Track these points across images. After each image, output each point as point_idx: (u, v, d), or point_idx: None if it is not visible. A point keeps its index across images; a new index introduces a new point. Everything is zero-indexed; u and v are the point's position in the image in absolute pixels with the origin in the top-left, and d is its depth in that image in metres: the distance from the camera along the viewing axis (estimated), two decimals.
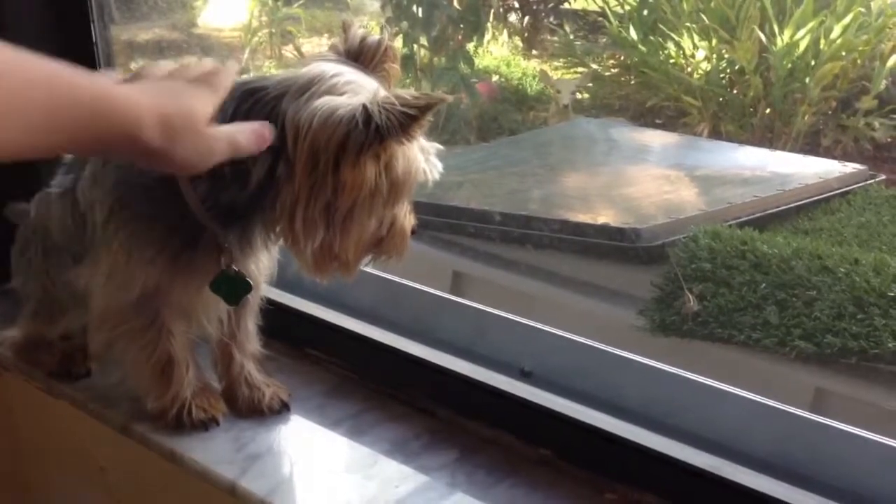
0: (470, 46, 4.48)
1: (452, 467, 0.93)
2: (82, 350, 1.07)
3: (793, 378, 1.54)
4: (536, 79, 4.57)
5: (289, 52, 4.58)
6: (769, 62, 3.49)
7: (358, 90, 0.80)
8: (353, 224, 0.81)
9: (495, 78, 4.69)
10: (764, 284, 1.68)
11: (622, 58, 4.36)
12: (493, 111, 4.41)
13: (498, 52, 5.02)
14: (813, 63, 3.41)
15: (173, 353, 0.93)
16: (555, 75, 4.39)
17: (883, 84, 3.14)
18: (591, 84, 4.33)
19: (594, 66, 4.51)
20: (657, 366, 0.95)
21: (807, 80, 3.40)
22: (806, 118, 3.41)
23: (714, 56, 3.79)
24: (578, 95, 4.08)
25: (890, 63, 3.15)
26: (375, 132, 0.75)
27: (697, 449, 0.87)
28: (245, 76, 0.84)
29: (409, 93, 0.76)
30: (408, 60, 4.42)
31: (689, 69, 3.89)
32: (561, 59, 4.79)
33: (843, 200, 2.22)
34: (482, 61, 4.71)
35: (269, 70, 4.36)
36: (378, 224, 0.83)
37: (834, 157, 2.78)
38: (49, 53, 1.33)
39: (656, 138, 3.03)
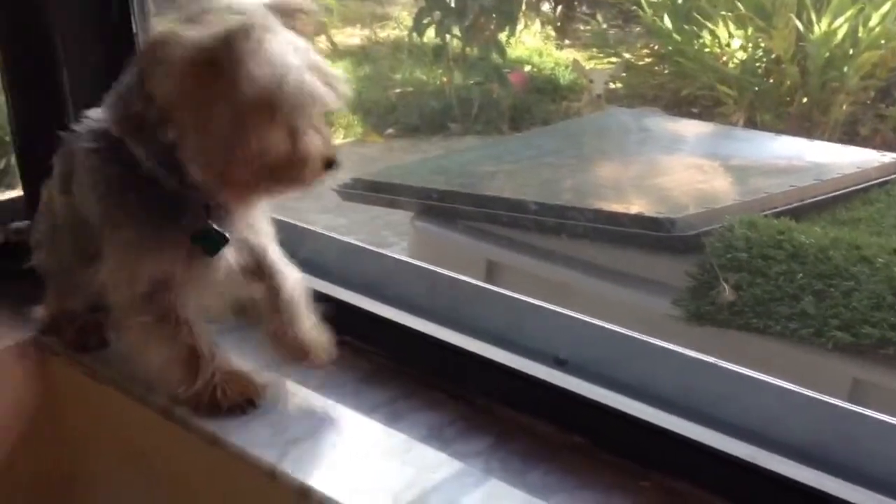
0: (502, 36, 4.47)
1: (487, 454, 0.94)
2: (97, 322, 1.10)
3: (830, 368, 1.53)
4: (569, 69, 4.56)
5: (321, 42, 4.60)
6: (806, 51, 3.45)
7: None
8: (238, 145, 0.80)
9: (528, 68, 4.68)
10: (801, 274, 1.66)
11: (656, 47, 4.33)
12: (526, 101, 4.40)
13: (530, 42, 5.01)
14: (851, 52, 3.37)
15: (193, 342, 0.94)
16: (587, 65, 4.38)
17: None
18: (624, 74, 4.30)
19: (627, 55, 4.48)
20: (692, 355, 0.94)
21: (845, 69, 3.36)
22: (843, 108, 3.38)
23: (750, 45, 3.75)
24: (611, 85, 4.06)
25: None
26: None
27: (732, 437, 0.87)
28: None
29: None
30: (440, 50, 4.42)
31: (725, 58, 3.86)
32: (594, 49, 4.77)
33: (881, 191, 2.19)
34: (514, 51, 4.70)
35: None
36: (272, 146, 0.82)
37: (872, 147, 2.74)
38: (91, 44, 1.36)
39: (690, 128, 3.01)
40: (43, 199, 1.09)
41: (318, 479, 0.91)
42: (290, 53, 0.81)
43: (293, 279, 1.00)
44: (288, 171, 0.85)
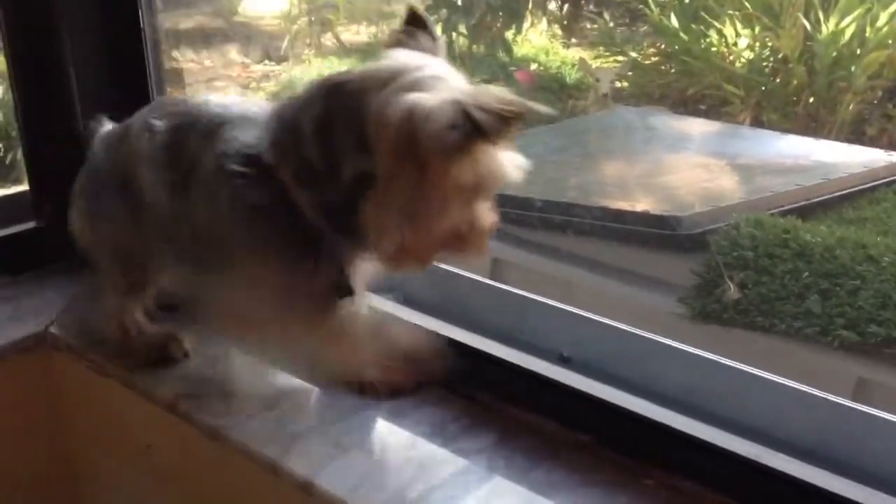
0: (509, 34, 4.47)
1: (491, 451, 0.93)
2: (174, 336, 1.07)
3: (834, 368, 1.52)
4: (575, 67, 4.55)
5: (328, 39, 4.60)
6: (813, 51, 3.44)
7: (443, 86, 0.77)
8: (433, 221, 0.79)
9: (534, 66, 4.68)
10: (807, 273, 1.66)
11: (663, 46, 4.32)
12: (532, 100, 4.40)
13: (537, 41, 5.00)
14: (858, 52, 3.36)
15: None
16: (594, 64, 4.37)
17: None
18: (630, 72, 4.30)
19: (634, 54, 4.47)
20: (697, 352, 0.94)
21: (852, 68, 3.35)
22: (850, 107, 3.36)
23: (757, 44, 3.74)
24: (618, 84, 4.05)
25: None
26: (469, 131, 0.72)
27: (736, 436, 0.86)
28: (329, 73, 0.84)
29: (502, 92, 0.74)
30: (447, 48, 4.42)
31: (732, 57, 3.85)
32: (600, 48, 4.76)
33: (888, 190, 2.19)
34: (521, 49, 4.69)
35: (310, 57, 4.38)
36: (457, 221, 0.81)
37: (879, 147, 2.74)
38: (99, 40, 1.36)
39: (696, 127, 3.01)
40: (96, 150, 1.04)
41: (320, 476, 0.91)
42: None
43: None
44: (468, 244, 0.84)
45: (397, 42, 0.85)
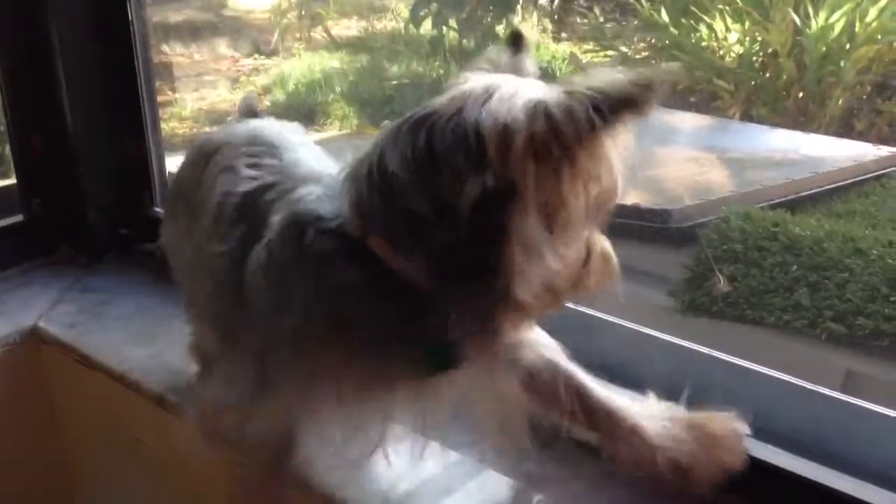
0: (500, 29, 4.46)
1: (481, 444, 0.94)
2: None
3: (823, 360, 1.53)
4: (566, 62, 4.55)
5: (318, 33, 4.59)
6: (803, 45, 3.44)
7: (544, 87, 0.69)
8: (571, 240, 0.70)
9: None
10: (795, 266, 1.66)
11: (653, 40, 4.32)
12: None
13: (528, 35, 4.97)
14: (848, 46, 3.36)
15: None
16: (585, 58, 4.36)
17: None
18: (620, 67, 4.30)
19: (624, 48, 4.47)
20: (686, 344, 0.95)
21: (841, 63, 3.35)
22: (840, 102, 3.37)
23: (747, 39, 3.74)
24: None
25: None
26: (614, 104, 0.63)
27: None
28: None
29: (607, 78, 0.64)
30: (437, 42, 4.41)
31: (722, 52, 3.85)
32: (591, 42, 4.75)
33: (877, 184, 2.19)
34: None
35: (300, 51, 4.37)
36: (581, 245, 0.72)
37: (868, 142, 2.75)
38: (87, 33, 1.35)
39: (686, 120, 3.01)
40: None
41: (312, 469, 0.90)
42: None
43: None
44: (596, 274, 0.74)
45: (490, 61, 0.76)
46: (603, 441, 0.83)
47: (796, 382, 0.87)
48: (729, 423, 0.81)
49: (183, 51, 4.17)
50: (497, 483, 0.88)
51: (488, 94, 0.67)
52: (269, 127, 0.92)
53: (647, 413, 0.82)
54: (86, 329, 1.20)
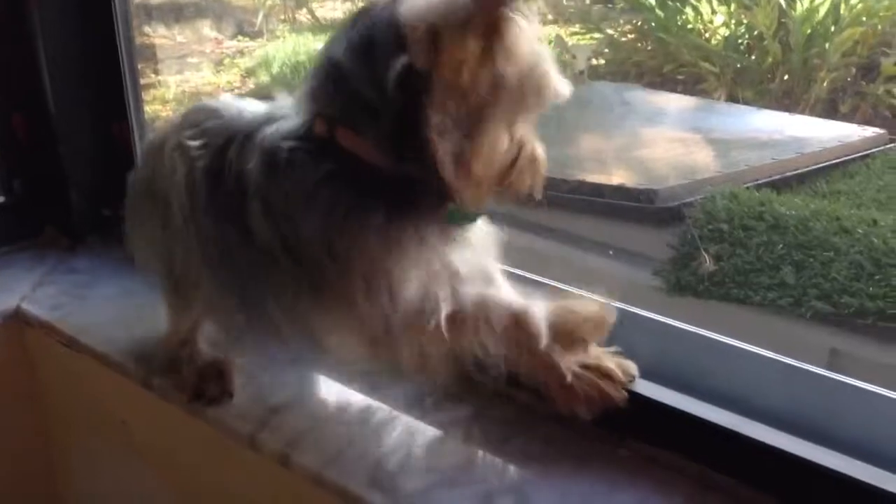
0: None
1: (467, 423, 0.94)
2: (223, 369, 1.00)
3: (808, 338, 1.54)
4: (552, 44, 4.54)
5: (303, 15, 4.55)
6: (788, 28, 3.45)
7: None
8: (485, 128, 0.73)
9: None
10: (781, 245, 1.67)
11: (639, 23, 4.32)
12: None
13: None
14: (833, 29, 3.36)
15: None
16: (570, 41, 4.35)
17: None
18: (606, 50, 4.29)
19: (610, 31, 4.46)
20: (673, 323, 0.95)
21: (826, 45, 3.36)
22: (824, 85, 3.37)
23: (732, 21, 3.74)
24: (594, 61, 4.04)
25: None
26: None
27: (712, 405, 0.87)
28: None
29: None
30: None
31: (707, 35, 3.85)
32: (577, 25, 4.74)
33: (862, 164, 2.20)
34: None
35: (284, 33, 4.34)
36: (509, 140, 0.76)
37: (853, 124, 2.76)
38: (68, 12, 1.34)
39: (672, 102, 3.01)
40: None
41: (297, 449, 0.90)
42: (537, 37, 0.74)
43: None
44: (523, 174, 0.79)
45: None
46: None
47: (781, 359, 0.88)
48: (620, 360, 0.88)
49: (165, 32, 4.13)
50: (482, 461, 0.88)
51: None
52: (203, 101, 0.95)
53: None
54: (70, 311, 1.19)
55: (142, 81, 1.46)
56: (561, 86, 0.76)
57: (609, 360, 0.88)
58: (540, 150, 0.81)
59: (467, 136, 0.72)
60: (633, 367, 0.89)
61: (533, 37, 0.73)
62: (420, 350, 0.81)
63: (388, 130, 0.73)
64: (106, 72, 1.35)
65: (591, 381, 0.85)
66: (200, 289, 0.91)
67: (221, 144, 0.84)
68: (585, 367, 0.86)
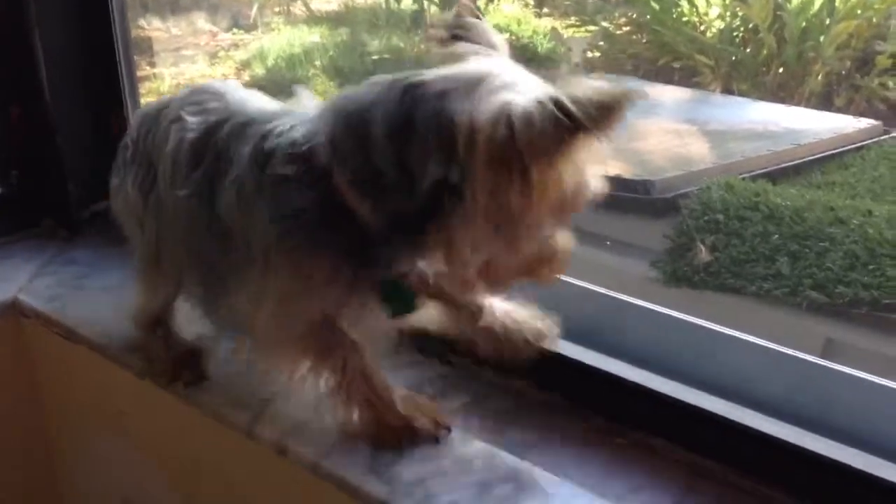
0: (481, 3, 4.44)
1: (465, 412, 0.94)
2: (196, 351, 1.01)
3: (803, 328, 1.55)
4: (547, 37, 4.53)
5: (297, 8, 4.54)
6: (783, 20, 3.45)
7: (531, 86, 0.70)
8: (525, 238, 0.72)
9: (506, 36, 4.65)
10: (776, 236, 1.67)
11: (634, 16, 4.31)
12: None
13: (509, 10, 4.97)
14: (828, 21, 3.36)
15: (364, 372, 0.85)
16: (566, 33, 4.35)
17: None
18: (602, 42, 4.29)
19: (606, 24, 4.46)
20: (669, 313, 0.95)
21: (821, 38, 3.36)
22: (819, 78, 3.38)
23: (728, 14, 3.74)
24: (589, 54, 4.04)
25: None
26: (570, 126, 0.64)
27: (707, 394, 0.87)
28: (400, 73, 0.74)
29: (595, 83, 0.66)
30: (418, 16, 4.38)
31: (703, 27, 3.85)
32: (572, 17, 4.74)
33: (856, 155, 2.21)
34: (493, 19, 4.66)
35: (279, 25, 4.33)
36: (541, 242, 0.75)
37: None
38: (66, 5, 1.33)
39: (667, 93, 3.01)
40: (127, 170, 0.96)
41: (294, 439, 0.91)
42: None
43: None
44: (548, 269, 0.78)
45: (455, 36, 0.78)
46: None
47: (776, 348, 0.88)
48: (543, 321, 0.90)
49: (160, 25, 4.12)
50: (480, 450, 0.89)
51: (477, 83, 0.69)
52: (211, 81, 0.96)
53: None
54: (67, 302, 1.19)
55: (137, 74, 1.46)
56: (598, 187, 0.74)
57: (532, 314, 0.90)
58: (567, 242, 0.78)
59: (502, 249, 0.72)
60: (552, 328, 0.91)
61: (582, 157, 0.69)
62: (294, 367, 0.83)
63: (397, 213, 0.72)
64: (102, 64, 1.35)
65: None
66: (172, 262, 0.93)
67: (214, 122, 0.85)
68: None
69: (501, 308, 0.89)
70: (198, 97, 0.90)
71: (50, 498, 1.30)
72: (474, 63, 0.73)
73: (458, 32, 0.78)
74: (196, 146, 0.85)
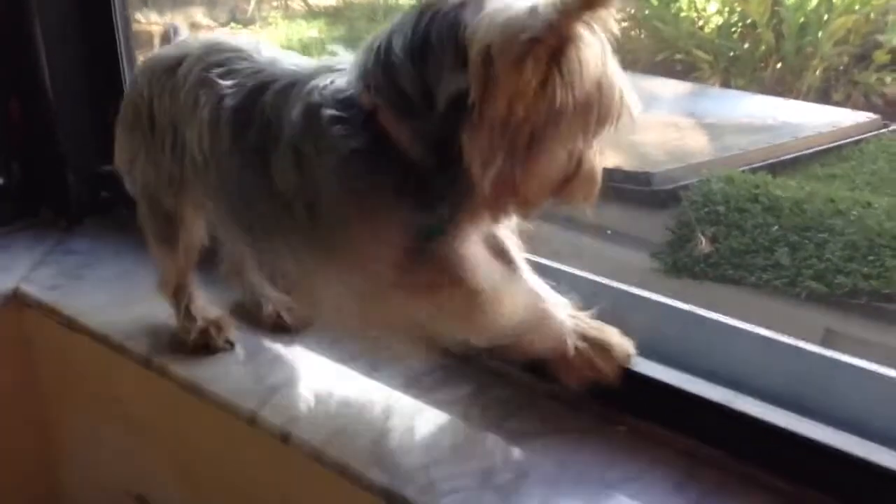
0: None
1: (467, 402, 0.95)
2: (223, 322, 1.04)
3: (803, 318, 1.55)
4: None
5: (295, 2, 4.53)
6: (781, 16, 3.44)
7: None
8: (540, 153, 0.70)
9: None
10: (776, 227, 1.68)
11: (633, 11, 4.31)
12: None
13: None
14: (826, 17, 3.36)
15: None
16: None
17: None
18: None
19: None
20: (671, 303, 0.96)
21: (819, 34, 3.36)
22: (817, 73, 3.37)
23: (726, 9, 3.74)
24: None
25: None
26: (548, 15, 0.65)
27: (708, 382, 0.88)
28: None
29: None
30: None
31: (701, 23, 3.84)
32: None
33: (855, 148, 2.21)
34: None
35: (277, 20, 4.33)
36: (568, 158, 0.73)
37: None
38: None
39: (666, 87, 3.01)
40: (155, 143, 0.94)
41: (297, 427, 0.91)
42: (608, 54, 0.70)
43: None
44: (576, 189, 0.76)
45: None
46: None
47: (776, 337, 0.88)
48: (618, 337, 0.89)
49: (158, 19, 4.11)
50: (480, 439, 0.89)
51: None
52: (221, 36, 0.94)
53: (560, 303, 0.89)
54: (67, 291, 1.19)
55: None
56: (633, 104, 0.73)
57: (610, 333, 0.89)
58: (598, 164, 0.77)
59: (519, 160, 0.70)
60: (630, 346, 0.90)
61: (600, 53, 0.69)
62: (404, 313, 0.81)
63: (428, 134, 0.73)
64: (103, 55, 1.35)
65: (588, 355, 0.86)
66: (189, 218, 0.94)
67: (254, 86, 0.84)
68: (585, 338, 0.87)
69: (572, 327, 0.87)
70: (218, 56, 0.88)
71: (51, 485, 1.30)
72: None
73: None
74: (239, 112, 0.84)
